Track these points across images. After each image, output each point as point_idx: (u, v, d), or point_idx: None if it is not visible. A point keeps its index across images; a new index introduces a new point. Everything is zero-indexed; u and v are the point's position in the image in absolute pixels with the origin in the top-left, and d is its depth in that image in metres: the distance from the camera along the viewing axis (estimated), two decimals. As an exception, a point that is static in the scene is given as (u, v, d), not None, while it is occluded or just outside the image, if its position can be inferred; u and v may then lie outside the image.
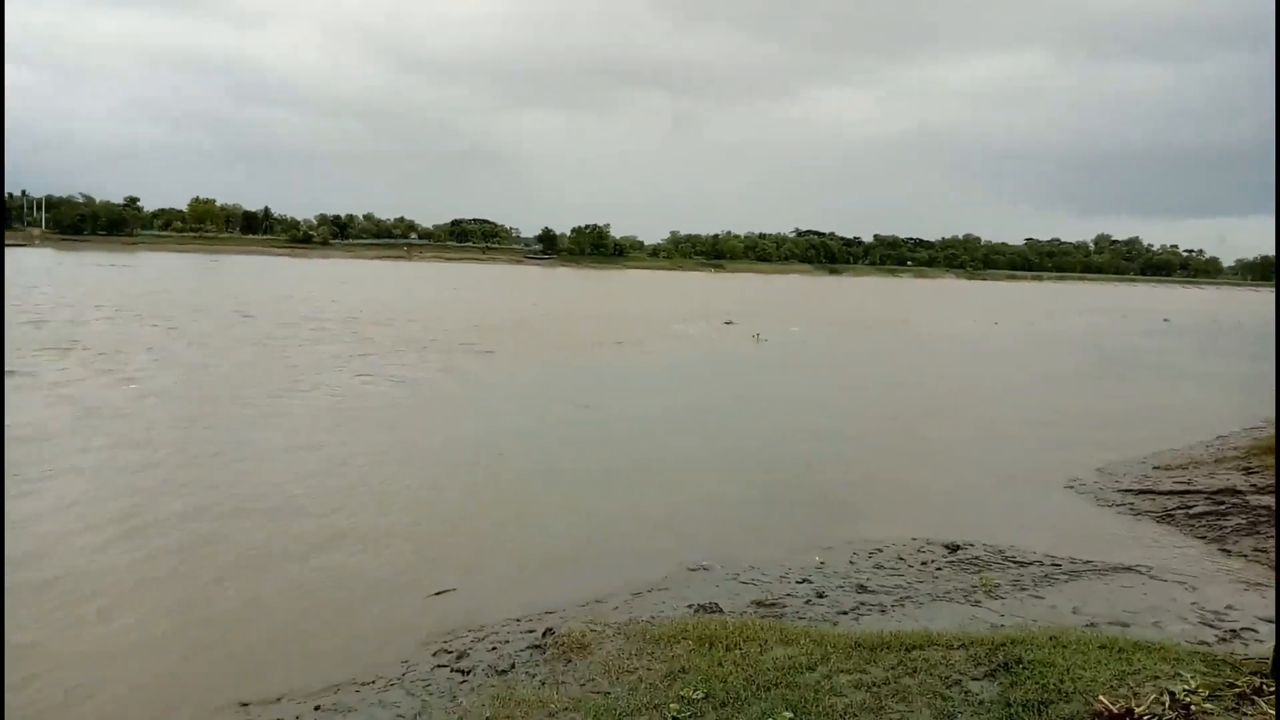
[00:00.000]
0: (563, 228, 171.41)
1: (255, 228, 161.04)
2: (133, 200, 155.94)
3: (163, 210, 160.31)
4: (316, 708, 5.93)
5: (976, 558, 9.36)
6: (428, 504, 11.14)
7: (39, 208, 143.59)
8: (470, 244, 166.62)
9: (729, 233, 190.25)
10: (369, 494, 11.29)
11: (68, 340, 24.28)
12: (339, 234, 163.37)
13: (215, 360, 22.27)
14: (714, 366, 27.62)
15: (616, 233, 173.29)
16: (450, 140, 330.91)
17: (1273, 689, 4.49)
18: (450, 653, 6.87)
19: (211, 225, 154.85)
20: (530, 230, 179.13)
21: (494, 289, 70.30)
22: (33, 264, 75.48)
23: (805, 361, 30.25)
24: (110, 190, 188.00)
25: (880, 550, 9.71)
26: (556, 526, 10.51)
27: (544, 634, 7.04)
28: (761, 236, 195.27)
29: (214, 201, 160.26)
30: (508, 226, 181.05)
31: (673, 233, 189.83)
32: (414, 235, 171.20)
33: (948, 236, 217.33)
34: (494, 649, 6.92)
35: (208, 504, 10.50)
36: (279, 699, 6.12)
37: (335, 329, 31.31)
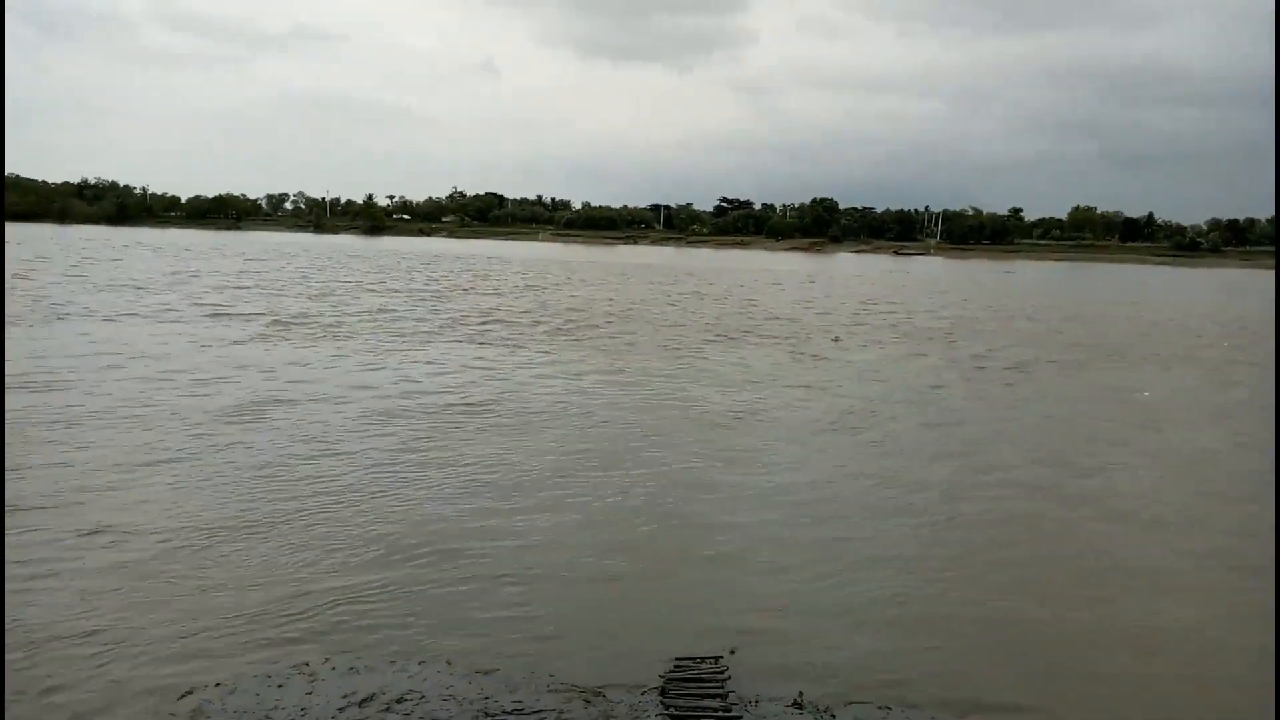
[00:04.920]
0: None
1: (1135, 234, 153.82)
2: (1015, 211, 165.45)
3: (1042, 219, 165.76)
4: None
5: None
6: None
7: (936, 221, 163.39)
8: None
9: None
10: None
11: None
12: (1234, 240, 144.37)
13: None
14: None
15: None
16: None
17: None
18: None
19: (1089, 233, 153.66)
20: None
21: None
22: (931, 271, 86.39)
23: None
24: (996, 202, 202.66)
25: None
26: None
27: None
28: None
29: (1094, 209, 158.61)
30: None
31: None
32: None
33: None
34: None
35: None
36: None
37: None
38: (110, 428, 11.91)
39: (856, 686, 6.08)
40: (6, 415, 12.29)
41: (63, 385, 14.54)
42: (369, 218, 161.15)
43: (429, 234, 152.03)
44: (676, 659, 6.32)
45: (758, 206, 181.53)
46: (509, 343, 22.16)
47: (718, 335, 25.42)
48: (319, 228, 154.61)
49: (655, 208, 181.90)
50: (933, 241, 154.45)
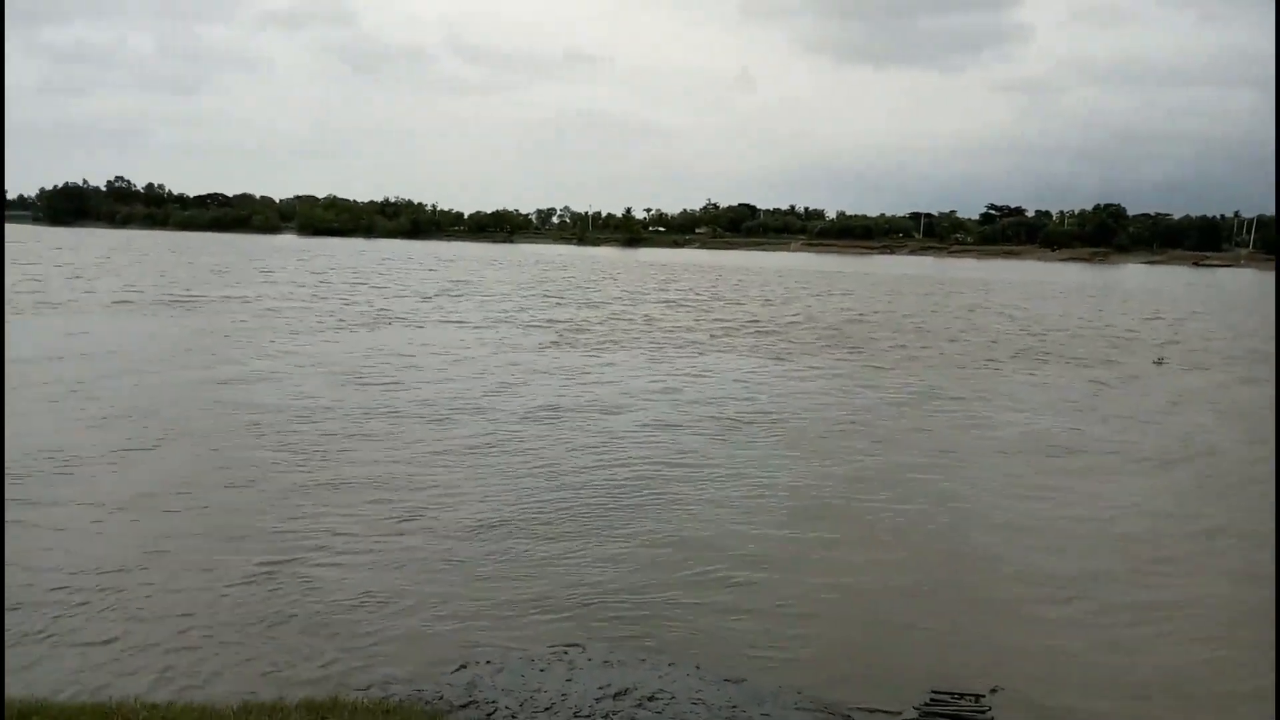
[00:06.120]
0: None
1: None
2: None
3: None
4: None
5: None
6: None
7: (1247, 228, 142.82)
8: None
9: None
10: None
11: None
12: None
13: None
14: None
15: None
16: None
17: None
18: None
19: None
20: None
21: None
22: (1244, 285, 75.91)
23: None
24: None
25: None
26: None
27: None
28: None
29: None
30: None
31: None
32: None
33: None
34: None
35: None
36: None
37: None
38: (425, 422, 13.34)
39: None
40: (342, 403, 14.14)
41: (388, 382, 16.57)
42: (627, 230, 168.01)
43: (682, 245, 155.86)
44: (934, 691, 5.99)
45: (1030, 214, 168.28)
46: (777, 354, 22.17)
47: (1006, 352, 23.92)
48: (582, 240, 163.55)
49: (915, 216, 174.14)
50: (1244, 251, 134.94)
